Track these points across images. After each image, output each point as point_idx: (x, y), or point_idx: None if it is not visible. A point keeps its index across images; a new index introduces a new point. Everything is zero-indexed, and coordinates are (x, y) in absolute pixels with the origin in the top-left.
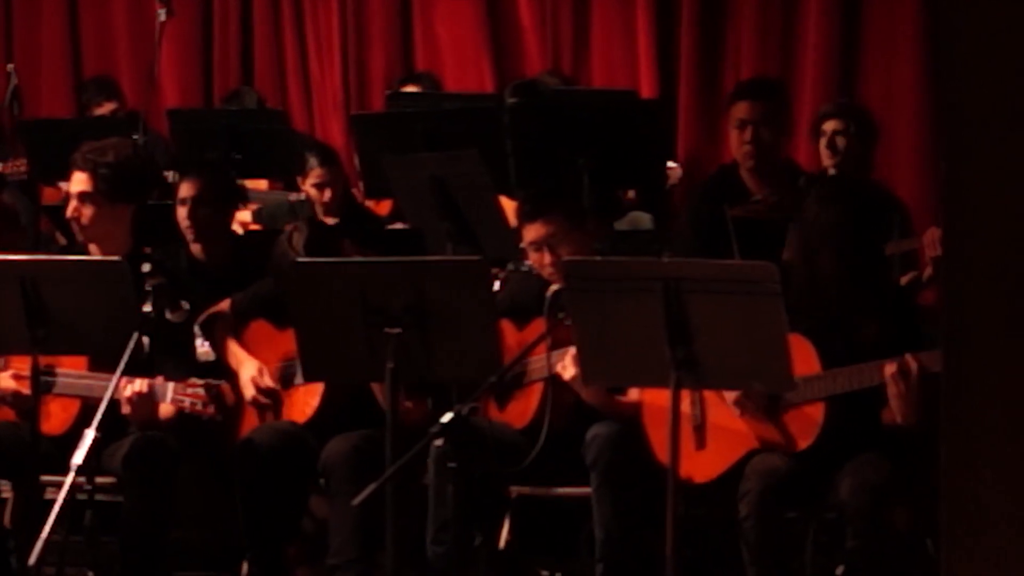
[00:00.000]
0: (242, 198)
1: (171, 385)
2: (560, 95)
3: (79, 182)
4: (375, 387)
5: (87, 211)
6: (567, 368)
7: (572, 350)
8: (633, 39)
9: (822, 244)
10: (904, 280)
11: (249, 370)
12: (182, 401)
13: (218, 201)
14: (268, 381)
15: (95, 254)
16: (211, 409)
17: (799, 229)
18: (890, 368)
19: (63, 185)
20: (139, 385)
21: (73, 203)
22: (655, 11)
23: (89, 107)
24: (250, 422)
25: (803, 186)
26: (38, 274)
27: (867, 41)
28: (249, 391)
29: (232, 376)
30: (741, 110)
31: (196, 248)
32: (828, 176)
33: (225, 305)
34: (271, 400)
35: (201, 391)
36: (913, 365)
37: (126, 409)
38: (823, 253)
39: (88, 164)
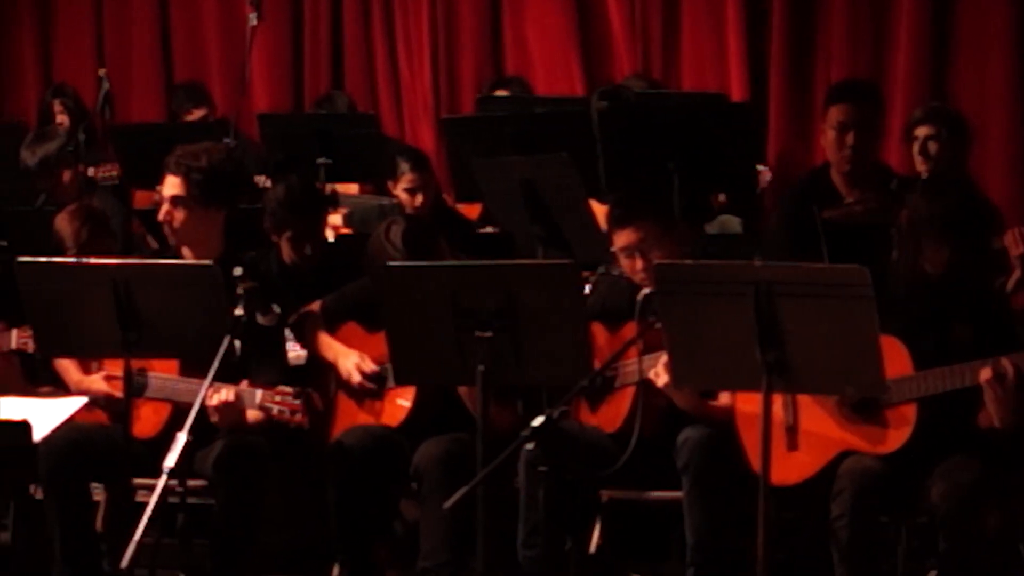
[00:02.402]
0: (331, 202)
1: (259, 392)
2: (649, 98)
3: (172, 186)
4: (462, 391)
5: (179, 215)
6: (660, 375)
7: (665, 356)
8: (723, 41)
9: (928, 240)
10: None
11: (350, 358)
12: (270, 408)
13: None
14: (370, 365)
15: (187, 258)
16: (299, 417)
17: (901, 227)
18: (986, 372)
19: (159, 189)
20: (226, 394)
21: (165, 207)
22: (745, 13)
23: (179, 114)
24: (340, 425)
25: (895, 189)
26: (131, 278)
27: (958, 41)
28: (355, 377)
29: (324, 377)
30: (840, 113)
31: (287, 252)
32: (934, 172)
33: (316, 307)
34: (377, 384)
35: (290, 398)
36: (1010, 368)
37: (213, 417)
38: (928, 249)
39: (181, 168)
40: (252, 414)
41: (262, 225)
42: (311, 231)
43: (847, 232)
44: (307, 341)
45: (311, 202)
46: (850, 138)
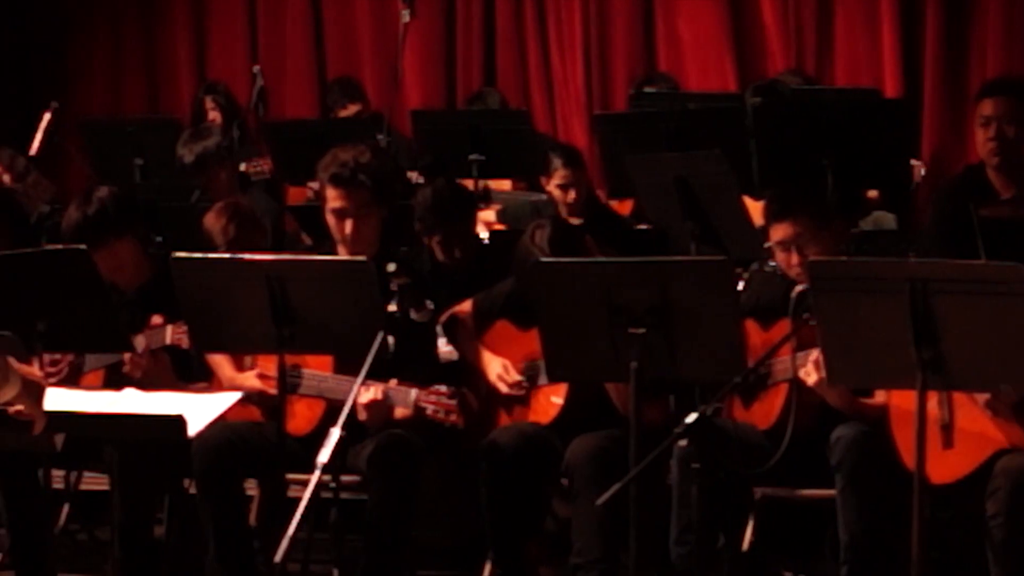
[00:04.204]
0: (481, 200)
1: (414, 391)
2: (803, 95)
3: (341, 198)
4: (610, 388)
5: (363, 225)
6: (810, 374)
7: (813, 354)
8: (877, 37)
9: None
10: None
11: (495, 368)
12: (425, 408)
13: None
14: (514, 376)
15: (343, 254)
16: (454, 417)
17: None
18: None
19: (311, 185)
20: (374, 392)
21: (351, 223)
22: (899, 9)
23: (334, 109)
24: (492, 422)
25: None
26: (285, 274)
27: None
28: (501, 388)
29: (477, 374)
30: (985, 107)
31: (438, 252)
32: None
33: (467, 305)
34: (522, 392)
35: (445, 398)
36: None
37: (362, 415)
38: None
39: (357, 177)
40: (400, 411)
41: (414, 222)
42: (460, 234)
43: (1003, 229)
44: (457, 342)
45: (458, 206)
46: (991, 131)
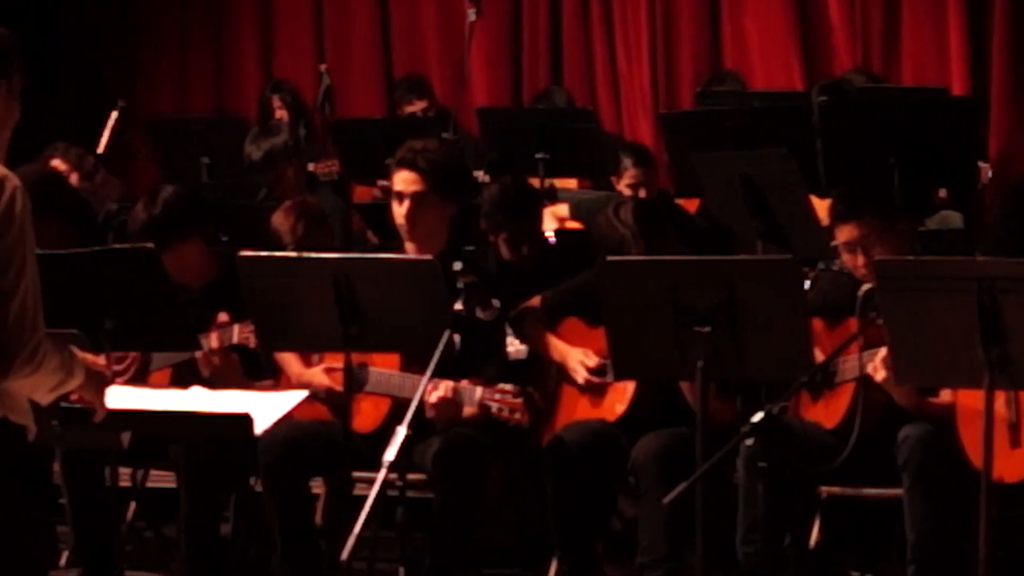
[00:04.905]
0: (548, 198)
1: (479, 389)
2: (870, 93)
3: (411, 182)
4: (684, 386)
5: (421, 212)
6: (878, 371)
7: (882, 351)
8: (944, 36)
9: None
10: None
11: (576, 355)
12: (490, 406)
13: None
14: (594, 359)
15: (410, 253)
16: (519, 416)
17: None
18: None
19: (379, 183)
20: (444, 390)
21: (407, 204)
22: (966, 8)
23: (400, 106)
24: (559, 419)
25: None
26: (351, 272)
27: None
28: (581, 374)
29: (544, 372)
30: None
31: (504, 250)
32: None
33: (536, 302)
34: (603, 376)
35: (510, 397)
36: None
37: (431, 413)
38: None
39: (420, 164)
40: (467, 410)
41: (480, 221)
42: (526, 232)
43: None
44: (529, 338)
45: (524, 203)
46: None
